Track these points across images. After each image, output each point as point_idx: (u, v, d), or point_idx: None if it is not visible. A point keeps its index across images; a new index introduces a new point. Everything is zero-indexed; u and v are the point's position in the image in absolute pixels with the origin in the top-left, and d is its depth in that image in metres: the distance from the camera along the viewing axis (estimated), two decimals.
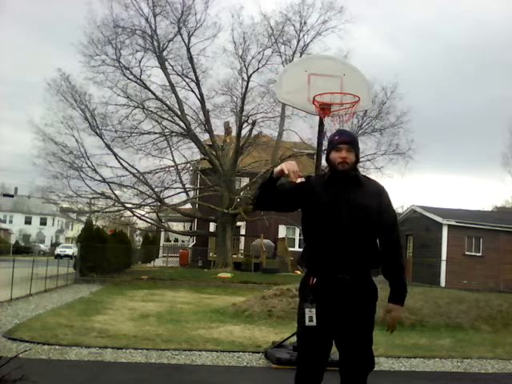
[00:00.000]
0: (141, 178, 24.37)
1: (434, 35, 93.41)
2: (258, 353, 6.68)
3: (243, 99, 23.67)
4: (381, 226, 2.93)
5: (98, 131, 23.76)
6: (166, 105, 24.36)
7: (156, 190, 24.91)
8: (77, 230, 62.61)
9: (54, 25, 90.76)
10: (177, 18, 23.59)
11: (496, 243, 22.28)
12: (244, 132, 24.36)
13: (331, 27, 24.73)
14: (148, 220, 27.92)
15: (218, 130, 26.17)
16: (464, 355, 7.15)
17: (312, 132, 24.20)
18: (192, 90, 24.41)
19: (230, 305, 11.39)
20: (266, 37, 24.05)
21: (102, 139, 23.82)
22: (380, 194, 3.01)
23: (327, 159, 3.03)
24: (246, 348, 6.98)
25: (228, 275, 20.45)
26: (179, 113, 24.09)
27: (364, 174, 3.27)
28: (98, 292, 14.89)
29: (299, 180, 2.99)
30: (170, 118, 24.60)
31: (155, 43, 23.70)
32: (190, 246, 32.43)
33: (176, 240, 44.94)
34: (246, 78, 23.73)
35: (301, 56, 23.76)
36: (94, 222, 25.78)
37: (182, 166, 25.95)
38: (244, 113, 23.86)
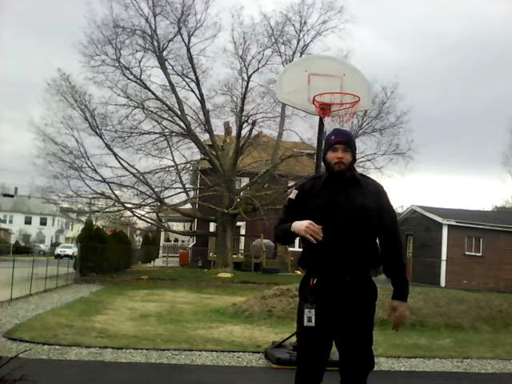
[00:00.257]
0: (141, 177, 24.35)
1: (434, 35, 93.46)
2: (258, 353, 6.68)
3: (243, 99, 23.66)
4: (380, 226, 2.93)
5: (97, 131, 23.74)
6: (166, 105, 24.35)
7: (156, 190, 24.90)
8: (77, 229, 62.57)
9: (54, 25, 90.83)
10: (177, 18, 23.60)
11: (496, 243, 22.29)
12: (244, 132, 24.38)
13: (331, 27, 24.80)
14: (148, 220, 27.92)
15: (218, 130, 26.22)
16: (464, 355, 7.15)
17: (312, 132, 24.27)
18: (192, 90, 24.44)
19: (229, 305, 11.40)
20: (266, 37, 24.10)
21: (102, 139, 23.83)
22: (379, 193, 3.00)
23: (324, 159, 3.02)
24: (246, 348, 6.99)
25: (228, 275, 20.45)
26: (179, 113, 24.09)
27: (364, 173, 3.26)
28: (98, 292, 14.89)
29: (293, 195, 3.00)
30: (170, 118, 24.59)
31: (155, 43, 23.69)
32: (189, 246, 32.43)
33: (176, 240, 44.97)
34: (245, 78, 23.73)
35: (301, 56, 23.77)
36: (93, 222, 25.80)
37: (182, 165, 25.94)
38: (244, 113, 23.85)
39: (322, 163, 3.13)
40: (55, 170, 23.64)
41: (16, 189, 72.62)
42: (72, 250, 39.32)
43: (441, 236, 22.38)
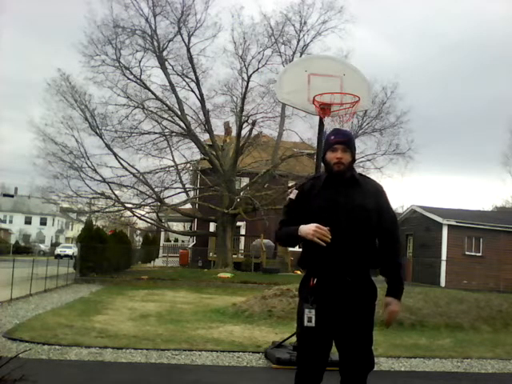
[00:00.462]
0: (141, 177, 24.35)
1: (434, 35, 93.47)
2: (258, 353, 6.68)
3: (243, 99, 23.66)
4: (380, 226, 2.93)
5: (97, 131, 23.75)
6: (166, 105, 24.35)
7: (156, 190, 24.90)
8: (77, 229, 62.58)
9: (53, 25, 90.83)
10: (177, 18, 23.61)
11: (496, 243, 22.29)
12: (244, 132, 24.38)
13: (331, 27, 24.79)
14: (148, 220, 27.92)
15: (218, 130, 26.21)
16: (464, 355, 7.15)
17: (312, 132, 24.27)
18: (192, 90, 24.44)
19: (230, 305, 11.40)
20: (266, 37, 24.10)
21: (102, 139, 23.83)
22: (378, 193, 3.00)
23: (323, 159, 3.02)
24: (246, 348, 6.99)
25: (228, 275, 20.45)
26: (179, 113, 24.09)
27: (363, 173, 3.26)
28: (98, 292, 14.89)
29: (293, 195, 2.99)
30: (170, 118, 24.59)
31: (155, 43, 23.69)
32: (189, 246, 32.43)
33: (176, 240, 44.97)
34: (246, 78, 23.74)
35: (301, 56, 23.77)
36: (93, 222, 25.80)
37: (182, 165, 25.94)
38: (244, 113, 23.85)
39: (322, 163, 3.13)
40: (55, 170, 23.68)
41: (16, 189, 72.72)
42: (72, 249, 39.31)
43: (441, 236, 22.38)
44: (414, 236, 25.11)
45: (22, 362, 3.48)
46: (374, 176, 22.60)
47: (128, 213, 26.74)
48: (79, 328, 8.06)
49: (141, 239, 49.81)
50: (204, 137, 25.34)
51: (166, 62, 23.99)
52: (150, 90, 24.09)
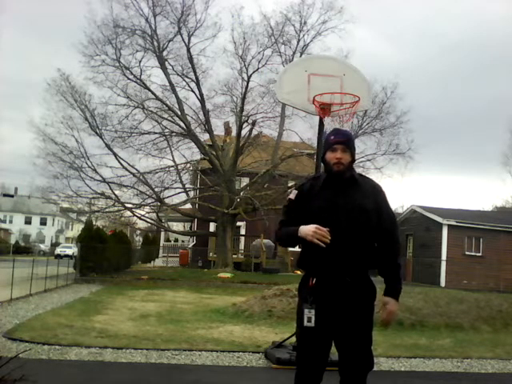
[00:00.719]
0: (141, 178, 24.35)
1: (435, 35, 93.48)
2: (258, 353, 6.68)
3: (243, 99, 23.66)
4: (379, 226, 2.93)
5: (97, 131, 23.75)
6: (166, 105, 24.35)
7: (156, 189, 24.90)
8: (77, 229, 62.58)
9: (54, 25, 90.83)
10: (177, 18, 23.60)
11: (496, 243, 22.29)
12: (244, 132, 24.38)
13: (331, 27, 24.78)
14: (148, 220, 27.92)
15: (218, 130, 26.21)
16: (464, 355, 7.15)
17: (312, 132, 24.26)
18: (192, 90, 24.44)
19: (230, 305, 11.40)
20: (266, 37, 24.10)
21: (102, 139, 23.83)
22: (377, 193, 3.00)
23: (323, 159, 3.02)
24: (246, 348, 6.99)
25: (228, 275, 20.45)
26: (179, 113, 24.09)
27: (363, 173, 3.26)
28: (98, 292, 14.89)
29: (292, 195, 2.99)
30: (170, 118, 24.59)
31: (155, 43, 23.69)
32: (190, 246, 32.43)
33: (176, 240, 44.96)
34: (245, 78, 23.74)
35: (301, 56, 23.77)
36: (93, 222, 25.80)
37: (182, 165, 25.94)
38: (244, 113, 23.85)
39: (322, 163, 3.13)
40: (55, 170, 23.68)
41: (16, 189, 72.72)
42: (72, 249, 39.31)
43: (441, 236, 22.38)
44: (413, 236, 25.10)
45: (21, 361, 3.48)
46: (374, 176, 22.63)
47: (128, 213, 26.77)
48: (79, 328, 8.06)
49: (141, 239, 49.81)
50: (204, 137, 25.37)
51: (166, 62, 24.00)
52: (150, 90, 24.09)
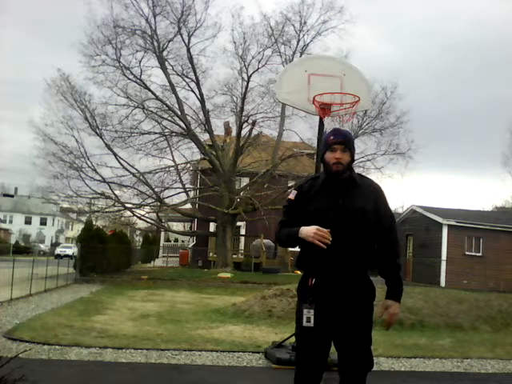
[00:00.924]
0: (141, 178, 24.35)
1: (434, 35, 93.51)
2: (258, 353, 6.68)
3: (243, 99, 23.67)
4: (378, 226, 2.93)
5: (98, 131, 23.75)
6: (166, 105, 24.36)
7: (156, 189, 24.91)
8: (77, 229, 62.63)
9: (54, 25, 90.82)
10: (177, 18, 23.60)
11: (496, 243, 22.29)
12: (244, 132, 24.38)
13: (331, 27, 24.81)
14: (148, 220, 27.93)
15: (218, 130, 26.21)
16: (464, 355, 7.15)
17: (312, 132, 24.27)
18: (192, 90, 24.44)
19: (229, 305, 11.40)
20: (266, 37, 24.10)
21: (102, 139, 23.82)
22: (376, 193, 3.00)
23: (322, 159, 3.01)
24: (246, 348, 6.98)
25: (228, 275, 20.46)
26: (179, 113, 24.09)
27: (363, 173, 3.26)
28: (98, 292, 14.89)
29: (292, 195, 2.99)
30: (170, 118, 24.59)
31: (155, 43, 23.69)
32: (189, 245, 32.43)
33: (176, 240, 44.94)
34: (245, 78, 23.73)
35: (301, 56, 23.78)
36: (93, 222, 25.78)
37: (182, 166, 25.94)
38: (244, 113, 23.86)
39: (321, 163, 3.13)
40: (55, 170, 23.69)
41: (16, 189, 72.71)
42: (72, 249, 39.30)
43: (441, 236, 22.38)
44: (413, 236, 25.10)
45: (21, 362, 3.49)
46: (374, 176, 22.67)
47: (128, 213, 26.75)
48: (79, 328, 8.06)
49: (141, 239, 49.78)
50: (204, 137, 25.35)
51: (166, 62, 24.00)
52: (150, 90, 24.10)
